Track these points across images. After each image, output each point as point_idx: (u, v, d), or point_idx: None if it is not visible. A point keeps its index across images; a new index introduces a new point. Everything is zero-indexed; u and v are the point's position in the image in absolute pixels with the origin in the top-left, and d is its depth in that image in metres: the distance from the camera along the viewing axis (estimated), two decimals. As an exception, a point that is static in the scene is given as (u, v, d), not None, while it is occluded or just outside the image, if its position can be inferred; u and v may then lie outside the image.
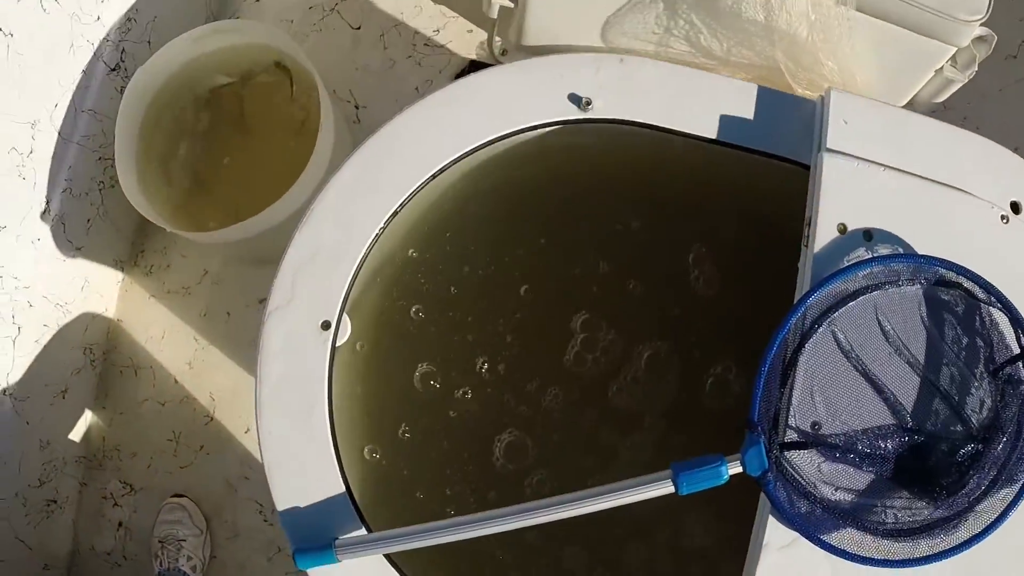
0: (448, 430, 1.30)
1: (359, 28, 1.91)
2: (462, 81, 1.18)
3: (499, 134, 1.16)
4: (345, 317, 1.09)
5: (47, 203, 1.62)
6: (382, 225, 1.11)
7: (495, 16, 1.77)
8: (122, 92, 1.72)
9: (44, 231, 1.63)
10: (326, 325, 1.07)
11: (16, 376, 1.61)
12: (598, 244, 1.33)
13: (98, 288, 1.78)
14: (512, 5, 1.69)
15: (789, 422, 0.97)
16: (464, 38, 1.91)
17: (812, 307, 0.97)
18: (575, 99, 1.17)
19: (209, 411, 1.78)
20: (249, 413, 1.77)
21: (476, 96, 1.17)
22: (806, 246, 1.03)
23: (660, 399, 1.32)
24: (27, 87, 1.54)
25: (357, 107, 1.86)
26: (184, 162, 1.75)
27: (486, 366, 1.31)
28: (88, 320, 1.76)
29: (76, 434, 1.78)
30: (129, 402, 1.80)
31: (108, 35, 1.69)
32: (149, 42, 1.78)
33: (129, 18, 1.72)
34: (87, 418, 1.80)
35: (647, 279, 1.34)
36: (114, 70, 1.72)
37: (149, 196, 1.67)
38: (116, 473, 1.79)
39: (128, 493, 1.79)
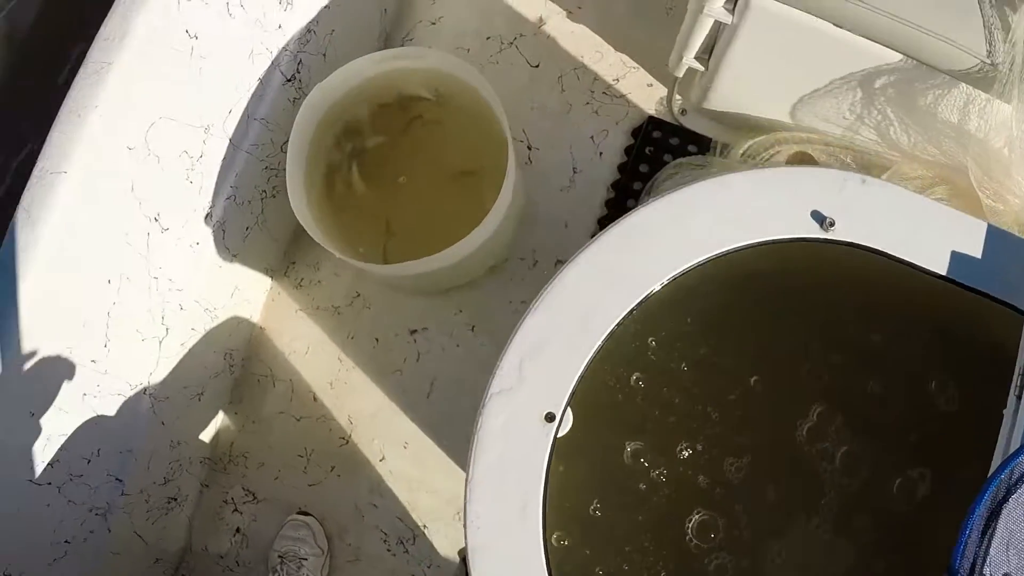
0: (641, 506, 1.24)
1: (537, 66, 1.87)
2: (708, 183, 1.15)
3: (743, 244, 1.14)
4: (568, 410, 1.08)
5: (210, 208, 1.63)
6: (619, 321, 1.10)
7: (680, 75, 1.72)
8: (294, 103, 1.73)
9: (205, 236, 1.63)
10: (550, 417, 1.06)
11: (158, 377, 1.62)
12: (832, 345, 1.24)
13: (246, 294, 1.79)
14: (702, 69, 1.63)
15: (984, 571, 0.89)
16: (643, 91, 1.85)
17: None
18: (818, 217, 1.14)
19: (346, 433, 1.76)
20: (386, 441, 1.75)
21: (721, 200, 1.15)
22: (1017, 396, 0.96)
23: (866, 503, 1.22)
24: (205, 91, 1.56)
25: (530, 147, 1.83)
26: (345, 180, 1.74)
27: (697, 447, 1.23)
28: (233, 325, 1.76)
29: (206, 435, 1.79)
30: (263, 412, 1.80)
31: (287, 45, 1.69)
32: (324, 55, 1.78)
33: (309, 29, 1.72)
34: (218, 421, 1.81)
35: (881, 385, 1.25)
36: (289, 81, 1.72)
37: (313, 212, 1.66)
38: (240, 479, 1.79)
39: (250, 501, 1.79)
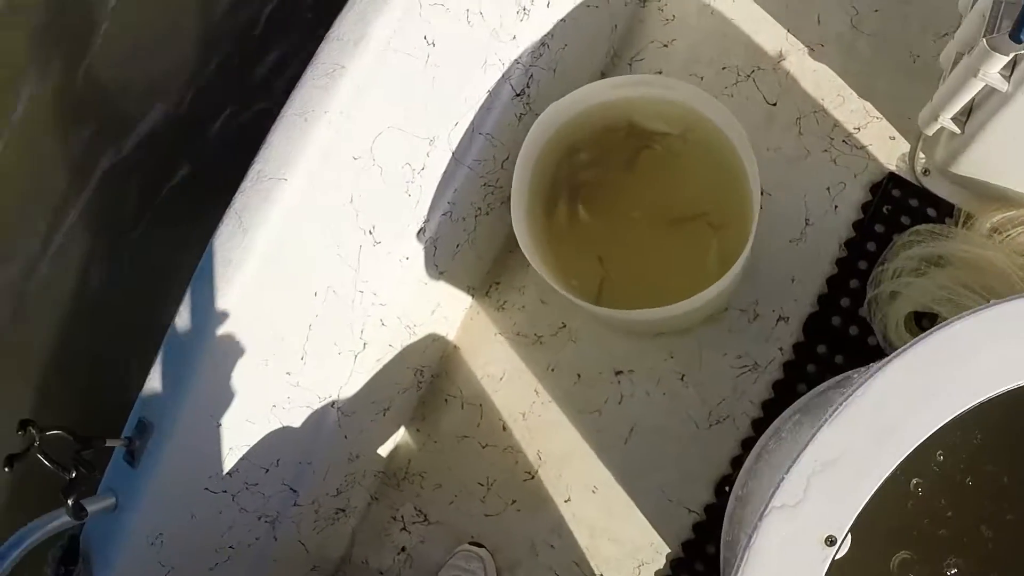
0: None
1: (775, 104, 1.55)
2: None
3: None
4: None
5: (424, 223, 1.38)
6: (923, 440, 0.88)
7: (930, 134, 1.38)
8: (520, 119, 1.47)
9: (415, 251, 1.39)
10: (830, 541, 0.86)
11: (349, 391, 1.40)
12: None
13: (445, 312, 1.53)
14: (958, 131, 1.30)
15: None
16: (885, 144, 1.51)
17: None
18: None
19: (533, 468, 1.50)
20: (574, 483, 1.49)
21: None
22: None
23: None
24: (435, 101, 1.31)
25: (762, 193, 1.49)
26: (565, 206, 1.45)
27: (967, 566, 0.96)
28: (428, 342, 1.52)
29: (384, 449, 1.56)
30: (446, 433, 1.55)
31: (520, 57, 1.42)
32: (555, 70, 1.50)
33: (543, 42, 1.45)
34: (398, 436, 1.58)
35: None
36: (518, 95, 1.45)
37: (532, 236, 1.39)
38: (413, 499, 1.56)
39: (420, 521, 1.55)
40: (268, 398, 1.27)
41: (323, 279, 1.27)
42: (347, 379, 1.39)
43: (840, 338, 1.42)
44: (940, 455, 0.96)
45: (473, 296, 1.58)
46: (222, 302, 1.14)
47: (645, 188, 1.44)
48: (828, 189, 1.48)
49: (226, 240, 1.15)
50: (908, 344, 0.91)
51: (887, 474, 0.87)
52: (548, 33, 1.45)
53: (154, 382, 1.15)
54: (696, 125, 1.39)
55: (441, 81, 1.30)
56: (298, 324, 1.26)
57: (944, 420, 0.87)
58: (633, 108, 1.43)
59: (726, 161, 1.35)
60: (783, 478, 0.89)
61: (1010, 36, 1.07)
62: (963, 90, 1.24)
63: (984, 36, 1.17)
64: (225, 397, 1.20)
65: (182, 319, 1.15)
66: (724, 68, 1.57)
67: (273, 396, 1.28)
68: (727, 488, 1.40)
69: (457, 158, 1.39)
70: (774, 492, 0.89)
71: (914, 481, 0.96)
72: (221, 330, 1.15)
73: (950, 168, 1.39)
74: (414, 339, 1.48)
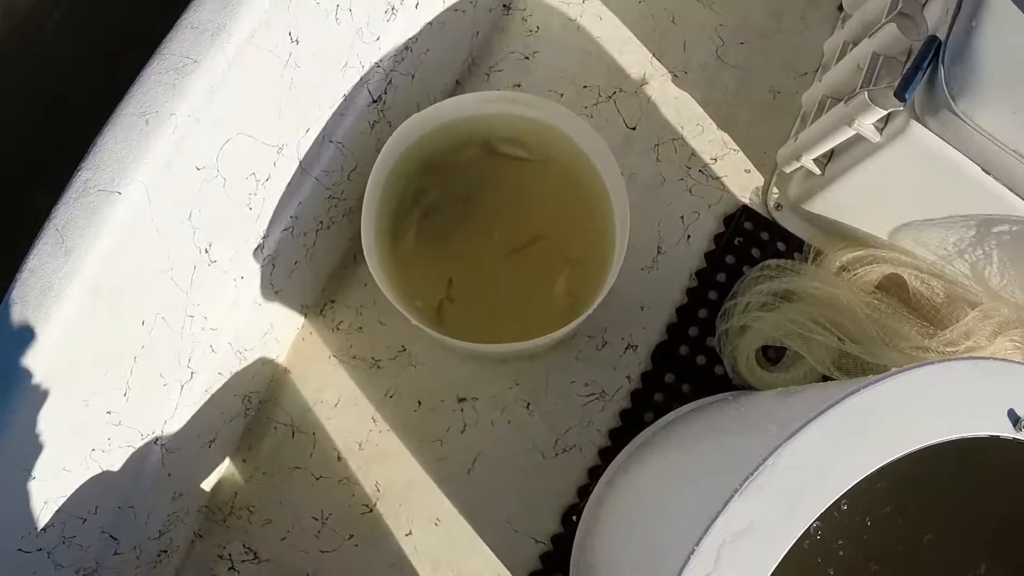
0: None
1: (634, 128, 1.51)
2: (934, 369, 0.92)
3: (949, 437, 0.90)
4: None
5: (264, 239, 1.21)
6: (829, 504, 0.85)
7: (788, 171, 1.41)
8: (372, 128, 1.33)
9: (252, 270, 1.22)
10: None
11: (174, 426, 1.20)
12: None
13: (277, 333, 1.36)
14: (818, 173, 1.34)
15: None
16: (740, 177, 1.52)
17: None
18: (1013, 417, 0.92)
19: (371, 501, 1.37)
20: (416, 516, 1.37)
21: (947, 388, 0.92)
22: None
23: None
24: (290, 105, 1.14)
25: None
26: (414, 224, 1.33)
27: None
28: (258, 367, 1.35)
29: (208, 482, 1.36)
30: (277, 464, 1.39)
31: (382, 60, 1.28)
32: (414, 76, 1.37)
33: (407, 46, 1.31)
34: (223, 467, 1.39)
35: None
36: (375, 102, 1.30)
37: (379, 255, 1.26)
38: (242, 535, 1.38)
39: (250, 559, 1.37)
40: (87, 442, 1.06)
41: (152, 305, 1.07)
42: (172, 412, 1.19)
43: (688, 367, 1.41)
44: (844, 504, 0.97)
45: (306, 315, 1.42)
46: (38, 338, 0.92)
47: (498, 210, 1.35)
48: (682, 218, 1.46)
49: (44, 262, 0.93)
50: (816, 414, 0.90)
51: (797, 536, 0.85)
52: (413, 36, 1.31)
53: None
54: (560, 148, 1.31)
55: (300, 83, 1.13)
56: (122, 357, 1.05)
57: (854, 482, 0.87)
58: (494, 125, 1.33)
59: (587, 188, 1.29)
60: (695, 549, 0.85)
61: (895, 95, 1.08)
62: (833, 136, 1.26)
63: (862, 87, 1.18)
64: (39, 446, 0.98)
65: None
66: (585, 87, 1.51)
67: (92, 439, 1.06)
68: (574, 518, 1.36)
69: (304, 168, 1.23)
70: (684, 567, 0.85)
71: (815, 526, 0.97)
72: (35, 370, 0.93)
73: (803, 205, 1.42)
74: (244, 364, 1.30)
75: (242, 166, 1.10)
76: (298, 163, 1.21)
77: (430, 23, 1.35)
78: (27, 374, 0.92)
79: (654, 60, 1.53)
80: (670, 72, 1.53)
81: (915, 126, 1.12)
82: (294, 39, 1.07)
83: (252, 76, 1.03)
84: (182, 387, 1.19)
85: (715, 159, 1.50)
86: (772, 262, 1.42)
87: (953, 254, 1.33)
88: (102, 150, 0.95)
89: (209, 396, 1.25)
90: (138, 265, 1.00)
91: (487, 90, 1.50)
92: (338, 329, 1.41)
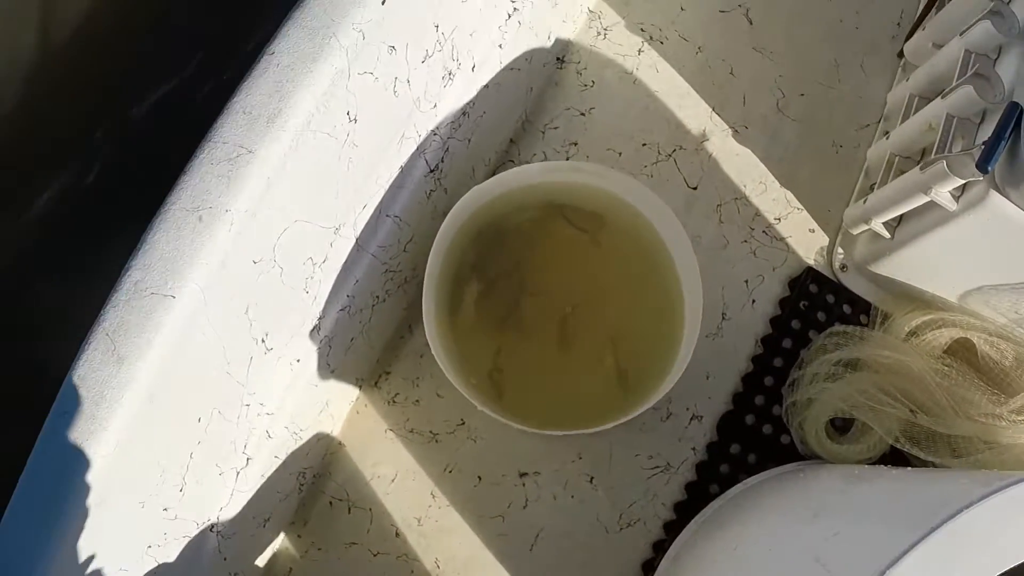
0: None
1: (695, 188, 1.42)
2: None
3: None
4: None
5: (320, 320, 1.14)
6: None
7: (855, 233, 1.31)
8: (429, 197, 1.25)
9: (308, 352, 1.15)
10: None
11: (230, 513, 1.14)
12: None
13: (333, 409, 1.29)
14: (888, 236, 1.24)
15: None
16: (804, 237, 1.42)
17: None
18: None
19: (429, 578, 1.29)
20: (476, 594, 1.28)
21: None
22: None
23: None
24: (347, 185, 1.07)
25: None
26: (473, 297, 1.26)
27: None
28: (312, 443, 1.27)
29: (262, 559, 1.29)
30: (332, 539, 1.31)
31: (439, 127, 1.20)
32: (470, 140, 1.29)
33: (464, 111, 1.24)
34: (277, 542, 1.31)
35: None
36: (433, 171, 1.23)
37: (439, 330, 1.19)
38: (295, 611, 1.30)
39: (305, 637, 1.30)
40: (143, 539, 0.99)
41: (209, 402, 1.00)
42: (228, 500, 1.12)
43: (754, 437, 1.32)
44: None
45: (361, 388, 1.34)
46: (91, 450, 0.85)
47: (557, 281, 1.27)
48: (746, 282, 1.37)
49: (95, 370, 0.86)
50: (925, 533, 0.81)
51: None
52: (470, 101, 1.23)
53: (6, 548, 0.84)
54: (623, 218, 1.23)
55: (357, 162, 1.05)
56: (179, 455, 0.99)
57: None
58: (556, 192, 1.25)
59: (652, 259, 1.22)
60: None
61: (977, 166, 0.99)
62: (906, 202, 1.17)
63: (938, 153, 1.09)
64: (95, 553, 0.91)
65: (39, 467, 0.86)
66: (644, 144, 1.42)
67: (149, 536, 1.00)
68: (638, 596, 1.27)
69: (361, 245, 1.15)
70: None
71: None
72: (90, 480, 0.86)
73: (869, 267, 1.33)
74: (299, 443, 1.23)
75: (299, 252, 1.03)
76: (355, 241, 1.14)
77: (486, 85, 1.27)
78: (77, 484, 0.86)
79: (714, 115, 1.44)
80: (730, 127, 1.43)
81: (994, 196, 1.03)
82: (352, 118, 1.00)
83: (310, 162, 0.96)
84: (238, 474, 1.12)
85: (779, 219, 1.40)
86: (839, 328, 1.32)
87: (1020, 320, 1.23)
88: (152, 248, 0.88)
89: (265, 479, 1.18)
90: (194, 367, 0.93)
91: (543, 149, 1.41)
92: (394, 402, 1.33)
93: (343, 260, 1.13)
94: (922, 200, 1.13)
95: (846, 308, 1.36)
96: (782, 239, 1.39)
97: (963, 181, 1.05)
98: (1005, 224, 1.04)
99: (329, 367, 1.20)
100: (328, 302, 1.14)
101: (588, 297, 1.26)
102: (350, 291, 1.16)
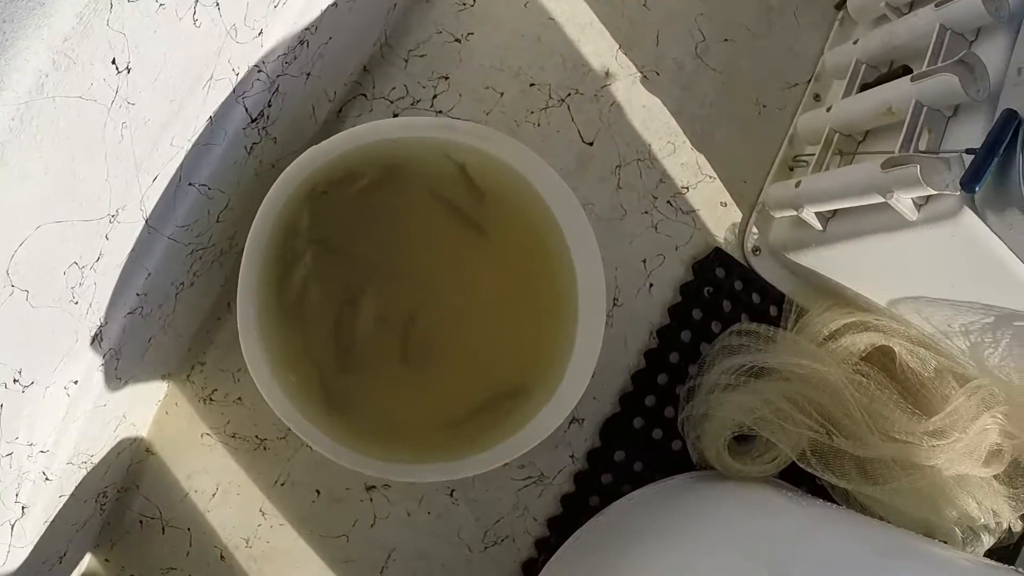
0: None
1: (591, 144, 1.12)
2: None
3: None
4: None
5: (100, 329, 0.80)
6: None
7: (777, 216, 1.07)
8: (250, 152, 0.90)
9: (88, 369, 0.83)
10: None
11: (9, 568, 0.83)
12: None
13: (133, 419, 0.97)
14: (819, 228, 1.01)
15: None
16: (715, 211, 1.17)
17: None
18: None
19: (264, 608, 1.03)
20: (319, 627, 1.04)
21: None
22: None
23: None
24: (122, 158, 0.72)
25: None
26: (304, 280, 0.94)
27: None
28: (112, 458, 0.95)
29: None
30: (146, 564, 1.03)
31: (264, 62, 0.84)
32: (308, 75, 0.93)
33: (302, 38, 0.87)
34: (83, 566, 1.01)
35: None
36: (255, 120, 0.88)
37: (259, 325, 0.88)
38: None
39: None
40: None
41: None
42: (4, 560, 0.81)
43: (642, 442, 1.11)
44: None
45: (169, 382, 1.02)
46: None
47: (416, 259, 0.97)
48: (644, 262, 1.12)
49: None
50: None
51: None
52: (311, 24, 0.87)
53: None
54: (504, 188, 0.93)
55: (136, 125, 0.70)
56: None
57: None
58: (416, 152, 0.93)
59: (540, 249, 0.93)
60: None
61: (961, 184, 0.76)
62: (854, 198, 0.93)
63: (903, 150, 0.85)
64: None
65: None
66: (533, 85, 1.10)
67: None
68: (504, 619, 1.06)
69: (153, 227, 0.81)
70: None
71: None
72: None
73: (787, 254, 1.10)
74: (91, 468, 0.91)
75: (53, 260, 0.69)
76: (143, 224, 0.79)
77: (334, 2, 0.90)
78: None
79: (620, 54, 1.13)
80: (639, 71, 1.13)
81: (967, 215, 0.81)
82: (123, 66, 0.64)
83: (54, 141, 0.61)
84: (13, 527, 0.80)
85: (687, 187, 1.14)
86: (745, 326, 1.11)
87: (956, 332, 1.05)
88: None
89: (50, 523, 0.86)
90: None
91: (404, 83, 1.07)
92: (211, 400, 1.02)
93: (127, 252, 0.79)
94: (875, 200, 0.89)
95: (755, 297, 1.14)
96: (689, 212, 1.14)
97: (933, 192, 0.81)
98: (971, 246, 0.83)
99: (120, 380, 0.88)
100: (111, 307, 0.80)
101: (452, 294, 0.96)
102: (141, 288, 0.83)
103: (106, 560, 1.02)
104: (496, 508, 1.08)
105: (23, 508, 0.81)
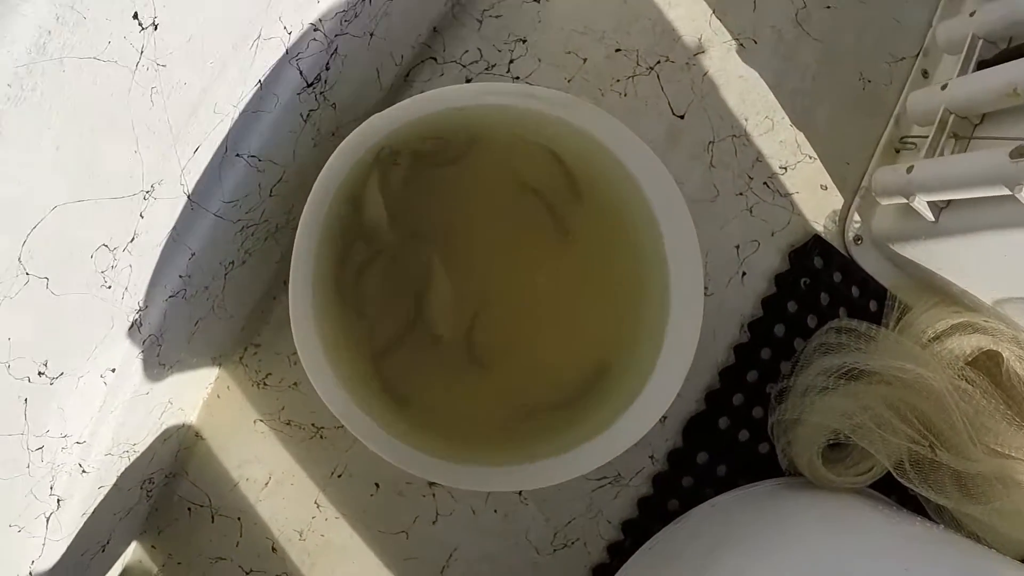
0: None
1: (682, 117, 0.98)
2: None
3: None
4: None
5: (140, 314, 0.72)
6: None
7: (885, 203, 0.93)
8: (307, 120, 0.80)
9: (127, 357, 0.75)
10: None
11: (45, 563, 0.77)
12: None
13: (181, 403, 0.90)
14: (931, 219, 0.85)
15: None
16: (814, 195, 1.02)
17: None
18: None
19: (317, 604, 0.96)
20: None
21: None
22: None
23: None
24: (154, 126, 0.62)
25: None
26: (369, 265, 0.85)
27: None
28: (158, 445, 0.89)
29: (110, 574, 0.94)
30: (194, 553, 0.97)
31: (322, 20, 0.74)
32: (372, 36, 0.82)
33: (360, -3, 0.76)
34: (128, 554, 0.96)
35: None
36: (312, 85, 0.78)
37: (316, 314, 0.80)
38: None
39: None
40: None
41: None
42: (40, 552, 0.75)
43: (727, 444, 0.99)
44: None
45: (220, 366, 0.94)
46: None
47: (493, 243, 0.86)
48: (737, 248, 0.98)
49: None
50: None
51: None
52: (369, -18, 0.76)
53: None
54: (598, 174, 0.81)
55: (168, 89, 0.61)
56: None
57: None
58: (494, 121, 0.81)
59: (631, 232, 0.81)
60: None
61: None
62: (977, 188, 0.77)
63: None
64: None
65: None
66: (619, 50, 0.96)
67: None
68: (572, 628, 0.97)
69: (197, 202, 0.72)
70: None
71: None
72: None
73: (891, 245, 0.95)
74: (135, 457, 0.84)
75: (76, 245, 0.60)
76: (185, 200, 0.70)
77: (399, -43, 0.80)
78: None
79: (714, 19, 0.98)
80: (735, 39, 0.99)
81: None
82: (148, 22, 0.55)
83: (62, 109, 0.51)
84: (48, 519, 0.74)
85: (785, 168, 1.00)
86: (844, 323, 0.97)
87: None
88: None
89: (90, 515, 0.80)
90: None
91: (478, 46, 0.95)
92: (264, 385, 0.94)
93: (167, 231, 0.70)
94: (1000, 192, 0.74)
95: (855, 291, 1.00)
96: (787, 195, 0.99)
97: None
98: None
99: (164, 366, 0.80)
100: (150, 290, 0.72)
101: (528, 276, 0.86)
102: (184, 269, 0.74)
103: (152, 547, 0.96)
104: (568, 509, 0.98)
105: (59, 501, 0.75)
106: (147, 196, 0.65)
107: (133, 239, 0.67)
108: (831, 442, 0.94)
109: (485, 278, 0.84)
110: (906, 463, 0.93)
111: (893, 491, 0.97)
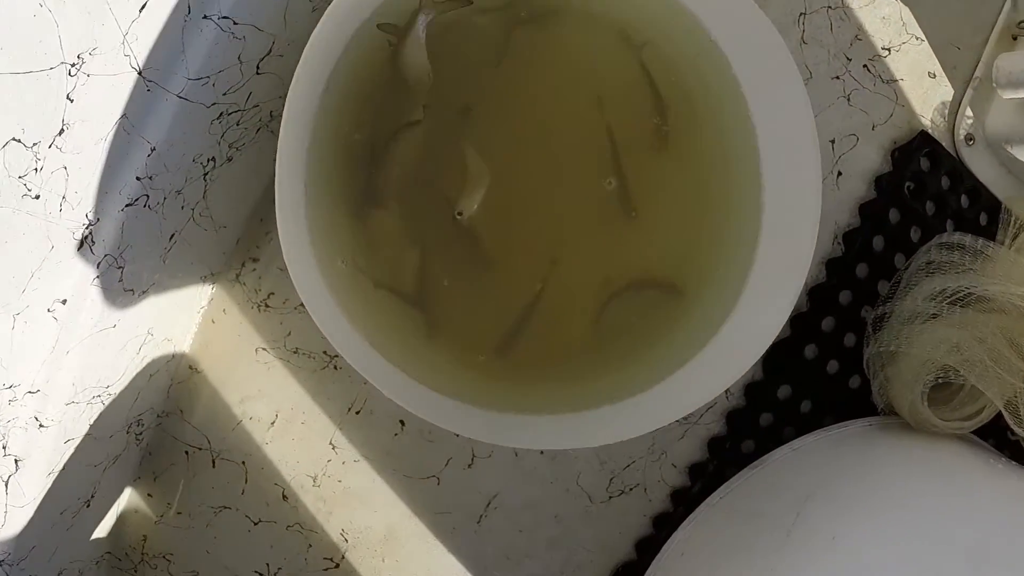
0: None
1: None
2: None
3: None
4: None
5: (89, 229, 0.54)
6: None
7: (1006, 96, 0.71)
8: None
9: (79, 285, 0.57)
10: None
11: (7, 534, 0.62)
12: None
13: (168, 330, 0.72)
14: None
15: None
16: (921, 82, 0.80)
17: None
18: None
19: (336, 553, 0.82)
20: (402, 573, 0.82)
21: None
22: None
23: None
24: None
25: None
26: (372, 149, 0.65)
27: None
28: (142, 382, 0.72)
29: (104, 525, 0.80)
30: (195, 501, 0.82)
31: None
32: None
33: None
34: (123, 500, 0.81)
35: None
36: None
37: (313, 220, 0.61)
38: (158, 588, 0.84)
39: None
40: None
41: None
42: (2, 521, 0.60)
43: (814, 376, 0.81)
44: None
45: (213, 285, 0.76)
46: None
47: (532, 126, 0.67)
48: (832, 143, 0.77)
49: None
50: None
51: None
52: None
53: None
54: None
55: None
56: None
57: None
58: None
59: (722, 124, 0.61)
60: None
61: None
62: None
63: None
64: None
65: None
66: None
67: None
68: (629, 582, 0.82)
69: (152, 79, 0.53)
70: None
71: None
72: None
73: (1010, 147, 0.74)
74: (111, 400, 0.68)
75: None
76: (136, 76, 0.51)
77: None
78: None
79: None
80: None
81: None
82: None
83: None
84: (6, 484, 0.59)
85: (888, 49, 0.77)
86: (953, 238, 0.76)
87: None
88: None
89: (59, 472, 0.64)
90: None
91: None
92: (267, 306, 0.77)
93: (113, 120, 0.51)
94: None
95: (964, 201, 0.80)
96: (890, 82, 0.77)
97: None
98: None
99: (131, 291, 0.63)
100: (100, 198, 0.54)
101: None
102: (142, 169, 0.56)
103: (148, 495, 0.82)
104: (626, 450, 0.81)
105: (16, 461, 0.59)
106: (74, 70, 0.46)
107: (62, 131, 0.48)
108: (940, 380, 0.76)
109: (542, 173, 0.65)
110: (1020, 405, 0.75)
111: (988, 436, 0.81)
